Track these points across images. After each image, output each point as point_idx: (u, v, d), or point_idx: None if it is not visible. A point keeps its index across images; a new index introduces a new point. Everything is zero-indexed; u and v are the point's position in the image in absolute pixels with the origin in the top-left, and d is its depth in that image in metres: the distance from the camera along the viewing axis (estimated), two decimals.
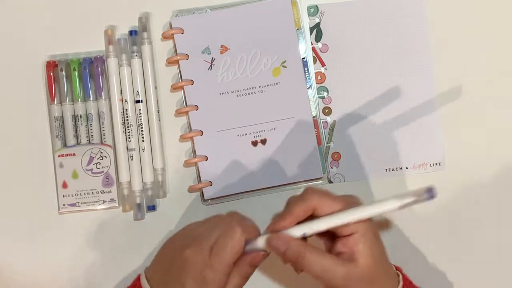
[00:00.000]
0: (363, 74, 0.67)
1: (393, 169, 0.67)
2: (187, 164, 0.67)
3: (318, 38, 0.67)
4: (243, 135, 0.66)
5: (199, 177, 0.67)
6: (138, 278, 0.58)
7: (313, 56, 0.67)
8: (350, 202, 0.55)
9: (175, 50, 0.67)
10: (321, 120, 0.67)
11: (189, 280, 0.53)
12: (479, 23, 0.68)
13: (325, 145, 0.67)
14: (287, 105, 0.66)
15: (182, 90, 0.67)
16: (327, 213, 0.54)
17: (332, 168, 0.67)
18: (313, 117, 0.66)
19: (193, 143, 0.67)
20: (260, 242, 0.55)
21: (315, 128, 0.66)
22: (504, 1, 0.68)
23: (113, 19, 0.67)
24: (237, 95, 0.66)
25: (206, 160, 0.66)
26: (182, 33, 0.66)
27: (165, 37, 0.67)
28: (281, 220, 0.54)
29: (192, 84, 0.66)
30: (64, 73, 0.66)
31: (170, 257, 0.56)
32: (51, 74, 0.66)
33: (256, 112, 0.66)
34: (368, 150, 0.67)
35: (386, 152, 0.67)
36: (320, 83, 0.67)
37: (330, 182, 0.67)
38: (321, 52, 0.67)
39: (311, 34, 0.67)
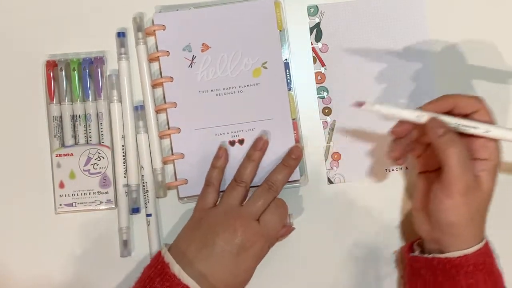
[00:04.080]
0: (363, 74, 0.67)
1: (393, 169, 0.67)
2: (165, 161, 0.66)
3: (318, 38, 0.67)
4: (221, 134, 0.66)
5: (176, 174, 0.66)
6: (159, 255, 0.59)
7: (313, 56, 0.67)
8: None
9: (156, 47, 0.66)
10: (321, 120, 0.67)
11: (241, 243, 0.59)
12: (479, 23, 0.68)
13: (325, 145, 0.67)
14: (266, 106, 0.66)
15: (161, 87, 0.66)
16: (478, 119, 0.56)
17: (332, 168, 0.66)
18: (293, 119, 0.66)
19: (171, 141, 0.66)
20: (418, 115, 0.55)
21: (294, 130, 0.65)
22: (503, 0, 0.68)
23: (113, 19, 0.67)
24: (217, 94, 0.66)
25: (183, 158, 0.65)
26: (164, 30, 0.66)
27: (147, 33, 0.66)
28: (437, 102, 0.57)
29: (171, 81, 0.66)
30: (63, 73, 0.67)
31: (208, 230, 0.59)
32: (51, 73, 0.67)
33: (235, 112, 0.66)
34: (368, 150, 0.66)
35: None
36: (320, 83, 0.67)
37: (331, 182, 0.66)
38: (321, 52, 0.67)
39: (311, 34, 0.67)
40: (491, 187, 0.56)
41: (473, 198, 0.55)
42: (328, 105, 0.67)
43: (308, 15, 0.67)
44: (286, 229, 0.63)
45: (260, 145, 0.64)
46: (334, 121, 0.67)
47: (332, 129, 0.67)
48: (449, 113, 0.57)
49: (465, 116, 0.57)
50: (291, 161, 0.64)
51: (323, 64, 0.67)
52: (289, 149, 0.65)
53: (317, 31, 0.67)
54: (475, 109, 0.56)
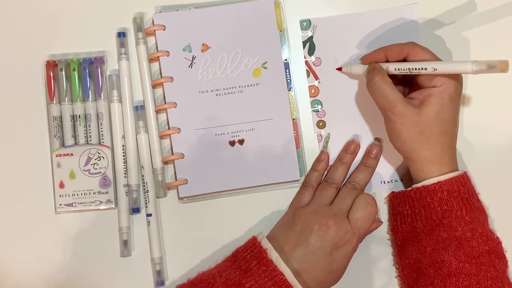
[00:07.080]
0: (356, 87, 0.68)
1: (388, 181, 0.68)
2: (165, 161, 0.67)
3: (311, 51, 0.68)
4: (221, 134, 0.67)
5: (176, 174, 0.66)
6: (254, 240, 0.61)
7: (306, 69, 0.68)
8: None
9: (157, 47, 0.67)
10: (316, 134, 0.68)
11: (333, 241, 0.60)
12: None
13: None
14: (266, 106, 0.66)
15: (162, 87, 0.67)
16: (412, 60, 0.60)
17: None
18: (293, 119, 0.67)
19: (171, 141, 0.66)
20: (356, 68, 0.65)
21: (294, 130, 0.67)
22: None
23: (113, 19, 0.68)
24: (217, 94, 0.67)
25: (183, 158, 0.66)
26: (164, 30, 0.67)
27: (147, 33, 0.67)
28: (374, 52, 0.63)
29: (171, 81, 0.67)
30: (63, 73, 0.67)
31: (302, 229, 0.61)
32: (51, 73, 0.66)
33: (234, 112, 0.67)
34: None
35: (380, 164, 0.67)
36: (314, 97, 0.68)
37: None
38: (315, 65, 0.68)
39: (304, 47, 0.68)
40: (435, 110, 0.58)
41: (411, 120, 0.58)
42: (322, 118, 0.68)
43: (301, 29, 0.68)
44: (375, 225, 0.65)
45: (352, 149, 0.66)
46: (329, 134, 0.68)
47: (326, 142, 0.68)
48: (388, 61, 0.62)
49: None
50: (370, 161, 0.66)
51: (316, 78, 0.68)
52: (367, 148, 0.67)
53: (310, 45, 0.69)
54: (405, 53, 0.61)
